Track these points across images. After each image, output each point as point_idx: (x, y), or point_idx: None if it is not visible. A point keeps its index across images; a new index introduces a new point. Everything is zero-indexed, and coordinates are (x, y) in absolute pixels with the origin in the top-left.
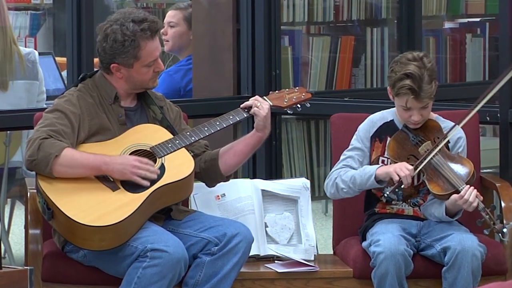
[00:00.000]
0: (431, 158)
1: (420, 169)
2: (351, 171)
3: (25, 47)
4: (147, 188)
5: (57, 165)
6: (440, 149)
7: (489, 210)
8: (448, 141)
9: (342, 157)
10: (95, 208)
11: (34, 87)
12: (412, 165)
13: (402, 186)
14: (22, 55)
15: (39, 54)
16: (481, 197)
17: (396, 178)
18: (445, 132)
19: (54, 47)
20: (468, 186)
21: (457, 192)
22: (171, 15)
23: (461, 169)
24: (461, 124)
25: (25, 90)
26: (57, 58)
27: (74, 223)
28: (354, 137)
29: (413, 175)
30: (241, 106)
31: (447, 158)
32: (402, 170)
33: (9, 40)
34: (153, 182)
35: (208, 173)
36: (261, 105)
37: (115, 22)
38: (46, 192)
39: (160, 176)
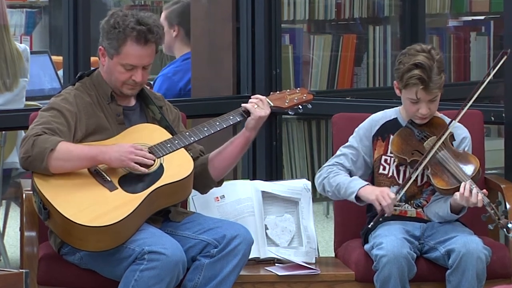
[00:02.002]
0: (436, 153)
1: (425, 165)
2: (339, 176)
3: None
4: (145, 188)
5: (53, 159)
6: (445, 145)
7: (494, 206)
8: (454, 139)
9: (337, 153)
10: (92, 208)
11: (26, 85)
12: (405, 173)
13: (386, 215)
14: (20, 53)
15: (35, 52)
16: (486, 192)
17: (379, 207)
18: (449, 129)
19: (50, 46)
20: (464, 183)
21: None
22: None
23: (466, 165)
24: (458, 118)
25: (22, 88)
26: (53, 57)
27: (71, 223)
28: (354, 134)
29: (395, 202)
30: (242, 105)
31: (453, 153)
32: (385, 198)
33: (10, 39)
34: (151, 182)
35: (199, 178)
36: (261, 107)
37: (125, 12)
38: (42, 192)
39: (158, 176)
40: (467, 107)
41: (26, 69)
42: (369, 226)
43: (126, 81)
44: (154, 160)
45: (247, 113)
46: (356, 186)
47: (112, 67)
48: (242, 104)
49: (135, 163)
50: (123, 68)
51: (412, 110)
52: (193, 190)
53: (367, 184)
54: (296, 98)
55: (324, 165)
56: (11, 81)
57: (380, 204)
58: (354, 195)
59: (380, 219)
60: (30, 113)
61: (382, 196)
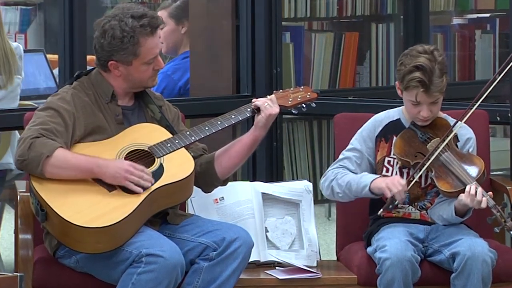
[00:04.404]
0: (440, 155)
1: (428, 167)
2: (348, 175)
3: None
4: (144, 188)
5: (49, 165)
6: (449, 146)
7: (500, 208)
8: (458, 140)
9: (340, 157)
10: (90, 209)
11: (20, 82)
12: (408, 175)
13: (396, 202)
14: (13, 51)
15: (30, 51)
16: (491, 194)
17: (389, 194)
18: (453, 131)
19: (45, 44)
20: (470, 186)
21: None
22: None
23: (471, 166)
24: (465, 119)
25: (16, 86)
26: (49, 56)
27: (69, 225)
28: (356, 136)
29: (406, 190)
30: (253, 102)
31: (457, 155)
32: (395, 185)
33: (4, 37)
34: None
35: (204, 177)
36: (270, 105)
37: (114, 17)
38: (39, 193)
39: (159, 176)
40: (473, 109)
41: (20, 67)
42: (378, 213)
43: (151, 75)
44: (151, 183)
45: (253, 111)
46: (368, 179)
47: (134, 71)
48: (253, 101)
49: (131, 182)
50: (146, 65)
51: (413, 112)
52: (192, 192)
53: (379, 176)
54: (299, 96)
55: (328, 170)
56: (5, 79)
57: (391, 191)
58: (367, 188)
59: (390, 206)
60: (25, 113)
61: (392, 183)
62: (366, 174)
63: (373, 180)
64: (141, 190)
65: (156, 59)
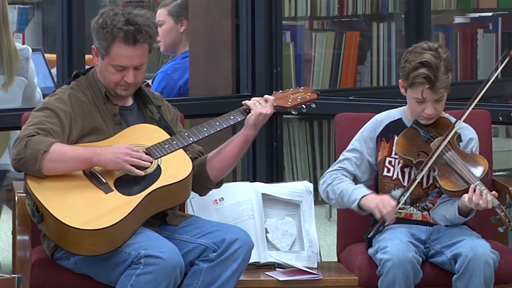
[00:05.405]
0: (443, 154)
1: (431, 165)
2: (343, 183)
3: None
4: (142, 190)
5: (46, 161)
6: (452, 145)
7: (504, 207)
8: (461, 140)
9: (340, 158)
10: (86, 211)
11: (27, 85)
12: (410, 175)
13: (386, 224)
14: (18, 52)
15: None
16: (496, 193)
17: (378, 216)
18: (455, 130)
19: (43, 43)
20: (474, 186)
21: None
22: (157, 14)
23: (475, 166)
24: (464, 117)
25: (17, 88)
26: (47, 55)
27: (65, 226)
28: (357, 137)
29: (396, 211)
30: (243, 102)
31: (460, 154)
32: (385, 206)
33: (10, 37)
34: (148, 184)
35: (198, 180)
36: (263, 104)
37: (114, 9)
38: (35, 194)
39: (156, 178)
40: (471, 106)
41: (25, 69)
42: (369, 235)
43: (118, 82)
44: (151, 162)
45: (248, 110)
46: (359, 194)
47: (104, 67)
48: (243, 102)
49: (131, 165)
50: (114, 68)
51: (417, 110)
52: (191, 193)
53: (371, 193)
54: (299, 97)
55: (327, 171)
56: (5, 80)
57: (381, 212)
58: (356, 203)
59: (380, 229)
60: (22, 113)
61: (382, 204)
62: (360, 187)
63: (364, 196)
64: (142, 173)
65: (126, 70)
